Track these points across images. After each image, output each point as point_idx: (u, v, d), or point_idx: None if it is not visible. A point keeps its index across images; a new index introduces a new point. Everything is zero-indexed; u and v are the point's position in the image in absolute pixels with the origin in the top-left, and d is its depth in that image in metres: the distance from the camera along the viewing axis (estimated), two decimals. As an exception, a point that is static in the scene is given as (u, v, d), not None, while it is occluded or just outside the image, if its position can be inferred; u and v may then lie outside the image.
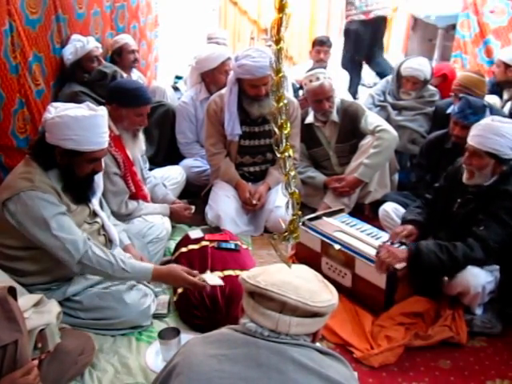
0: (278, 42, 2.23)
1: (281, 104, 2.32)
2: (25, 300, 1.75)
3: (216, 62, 3.66)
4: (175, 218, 3.07)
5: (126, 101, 2.67)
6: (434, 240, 2.45)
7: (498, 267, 2.40)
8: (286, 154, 2.49)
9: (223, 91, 3.28)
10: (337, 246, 2.58)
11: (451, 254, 2.30)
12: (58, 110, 2.11)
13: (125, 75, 3.78)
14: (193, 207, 3.15)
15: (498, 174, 2.39)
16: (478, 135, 2.38)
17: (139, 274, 2.22)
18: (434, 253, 2.31)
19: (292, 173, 2.61)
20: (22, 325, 1.47)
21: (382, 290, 2.40)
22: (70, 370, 1.95)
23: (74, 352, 1.95)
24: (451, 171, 2.62)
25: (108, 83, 3.47)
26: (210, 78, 3.74)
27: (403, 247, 2.51)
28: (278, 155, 2.52)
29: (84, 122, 2.08)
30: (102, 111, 2.19)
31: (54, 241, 2.07)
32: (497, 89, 4.00)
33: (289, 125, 2.51)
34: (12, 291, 1.53)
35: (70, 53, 3.23)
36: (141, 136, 2.88)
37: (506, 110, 3.79)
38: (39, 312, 1.75)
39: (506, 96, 3.93)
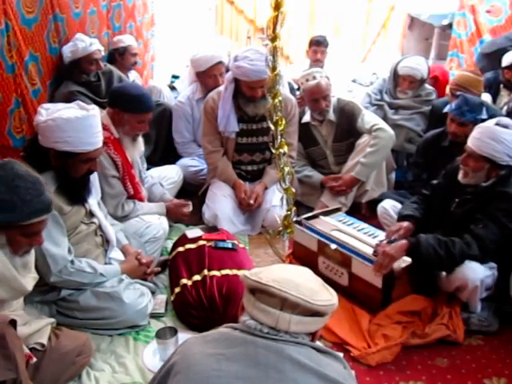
0: (273, 39, 2.23)
1: (276, 101, 2.33)
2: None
3: (205, 65, 3.64)
4: (172, 216, 3.06)
5: (129, 107, 2.64)
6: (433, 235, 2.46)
7: (495, 265, 2.40)
8: (281, 150, 2.50)
9: (221, 88, 3.28)
10: (333, 246, 2.58)
11: (449, 250, 2.31)
12: (49, 112, 2.10)
13: (123, 75, 3.80)
14: (190, 203, 3.13)
15: (495, 177, 2.39)
16: (476, 138, 2.38)
17: (111, 275, 2.32)
18: (433, 247, 2.32)
19: (286, 169, 2.62)
20: (18, 362, 1.46)
21: (378, 290, 2.40)
22: (67, 370, 1.96)
23: (72, 353, 1.96)
24: (450, 170, 2.62)
25: (105, 84, 3.49)
26: (201, 79, 3.74)
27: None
28: (273, 151, 2.53)
29: (77, 123, 2.08)
30: (94, 111, 2.18)
31: (37, 249, 2.06)
32: (492, 89, 4.02)
33: (284, 121, 2.51)
34: (13, 323, 1.55)
35: (70, 51, 3.22)
36: (140, 139, 2.87)
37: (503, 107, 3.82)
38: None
39: (504, 96, 3.95)
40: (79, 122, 2.08)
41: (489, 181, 2.41)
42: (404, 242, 2.41)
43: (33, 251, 1.89)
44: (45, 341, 1.85)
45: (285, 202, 2.67)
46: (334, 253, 2.58)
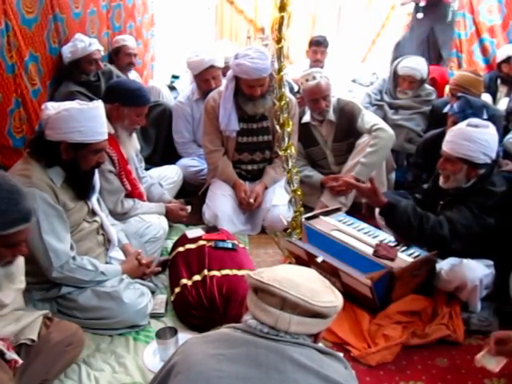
0: (279, 41, 2.21)
1: (283, 102, 2.31)
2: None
3: (197, 69, 3.63)
4: (171, 217, 3.07)
5: (129, 100, 2.69)
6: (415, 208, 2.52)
7: (492, 263, 2.41)
8: (289, 151, 2.49)
9: (222, 88, 3.28)
10: (319, 259, 2.56)
11: (421, 224, 2.36)
12: (56, 107, 2.14)
13: (122, 75, 3.80)
14: (189, 207, 3.15)
15: (475, 177, 2.42)
16: (450, 141, 2.42)
17: (111, 274, 2.32)
18: (408, 215, 2.38)
19: (294, 170, 2.61)
20: None
21: (370, 299, 2.39)
22: (57, 362, 1.95)
23: (61, 344, 1.95)
24: (436, 174, 2.64)
25: (105, 84, 3.49)
26: (196, 81, 3.74)
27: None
28: (280, 153, 2.52)
29: (89, 112, 2.14)
30: (99, 103, 2.24)
31: (39, 243, 2.08)
32: (492, 87, 4.04)
33: (291, 122, 2.49)
34: None
35: (69, 51, 3.23)
36: (134, 135, 2.90)
37: (504, 104, 3.83)
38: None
39: (503, 92, 3.97)
40: (91, 112, 2.15)
41: (469, 182, 2.43)
42: (384, 199, 2.47)
43: (17, 262, 1.81)
44: (35, 336, 1.83)
45: (293, 203, 2.65)
46: (322, 264, 2.57)
